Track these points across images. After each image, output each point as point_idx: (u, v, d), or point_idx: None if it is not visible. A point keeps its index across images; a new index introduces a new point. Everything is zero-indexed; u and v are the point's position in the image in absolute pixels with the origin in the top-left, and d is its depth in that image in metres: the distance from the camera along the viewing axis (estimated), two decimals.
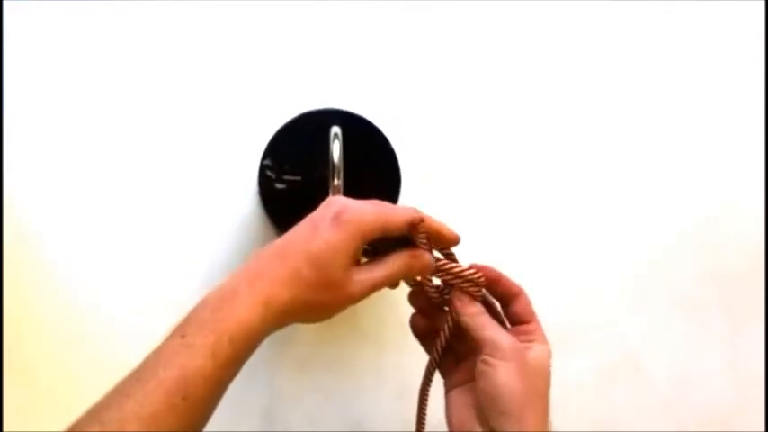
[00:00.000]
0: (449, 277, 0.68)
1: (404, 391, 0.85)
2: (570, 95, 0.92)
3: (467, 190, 0.89)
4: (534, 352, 0.66)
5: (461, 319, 0.68)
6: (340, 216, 0.62)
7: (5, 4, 0.85)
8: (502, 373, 0.64)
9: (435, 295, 0.70)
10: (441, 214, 0.84)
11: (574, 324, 0.86)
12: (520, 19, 0.92)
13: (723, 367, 0.90)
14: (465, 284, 0.68)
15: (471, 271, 0.68)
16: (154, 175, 0.86)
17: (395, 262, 0.66)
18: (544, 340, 0.68)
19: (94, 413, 0.57)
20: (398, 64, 0.90)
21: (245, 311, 0.60)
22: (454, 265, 0.68)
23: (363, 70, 0.89)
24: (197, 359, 0.57)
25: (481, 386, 0.65)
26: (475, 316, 0.67)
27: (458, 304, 0.68)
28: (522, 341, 0.66)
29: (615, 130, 0.92)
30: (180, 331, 0.60)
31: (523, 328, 0.68)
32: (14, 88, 0.85)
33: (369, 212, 0.63)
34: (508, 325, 0.70)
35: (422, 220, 0.66)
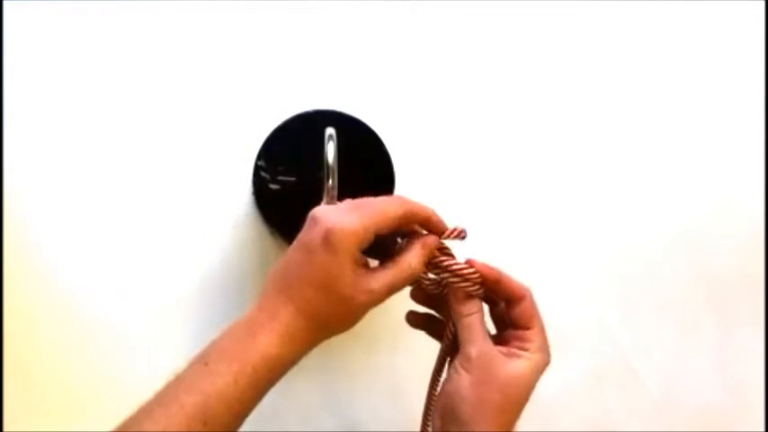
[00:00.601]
0: (446, 274, 0.68)
1: (397, 390, 0.85)
2: (565, 96, 0.92)
3: (461, 191, 0.89)
4: (515, 364, 0.64)
5: (453, 317, 0.68)
6: (329, 236, 0.62)
7: (5, 4, 0.86)
8: (463, 383, 0.64)
9: (434, 288, 0.70)
10: None
11: (566, 326, 0.86)
12: (514, 18, 0.92)
13: (714, 369, 0.90)
14: (460, 282, 0.67)
15: (463, 265, 0.67)
16: (149, 175, 0.86)
17: (410, 259, 0.66)
18: (539, 349, 0.66)
19: None
20: (393, 65, 0.90)
21: (266, 344, 0.61)
22: (447, 260, 0.68)
23: (358, 72, 0.89)
24: (219, 385, 0.59)
25: (445, 388, 0.66)
26: (462, 317, 0.67)
27: (452, 302, 0.68)
28: (515, 347, 0.66)
29: (610, 133, 0.92)
30: (203, 359, 0.61)
31: (520, 333, 0.67)
32: (14, 88, 0.85)
33: (357, 225, 0.63)
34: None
35: (412, 213, 0.66)
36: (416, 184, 0.85)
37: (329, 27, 0.89)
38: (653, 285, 0.91)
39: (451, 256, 0.69)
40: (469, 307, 0.67)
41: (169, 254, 0.85)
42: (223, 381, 0.59)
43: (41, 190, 0.85)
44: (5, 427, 0.78)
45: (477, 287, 0.67)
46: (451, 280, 0.67)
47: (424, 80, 0.90)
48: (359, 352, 0.86)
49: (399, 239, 0.68)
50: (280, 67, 0.88)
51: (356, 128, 0.80)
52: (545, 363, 0.66)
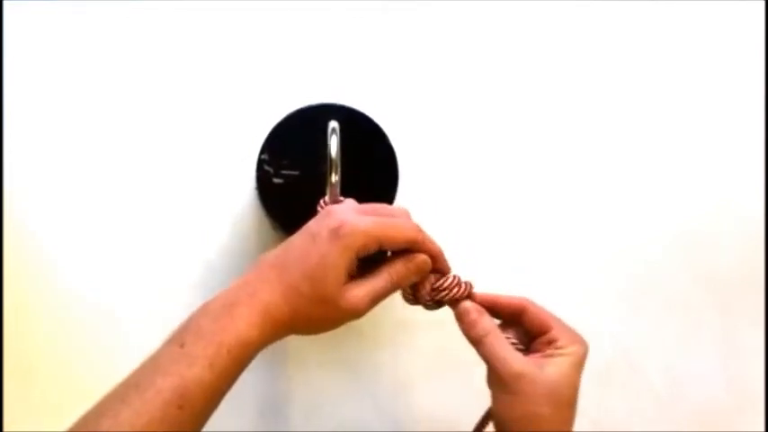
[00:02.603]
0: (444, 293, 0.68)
1: (400, 387, 0.84)
2: (568, 94, 0.92)
3: (464, 186, 0.89)
4: (552, 368, 0.64)
5: (469, 337, 0.67)
6: (338, 230, 0.62)
7: (5, 4, 0.86)
8: (506, 405, 0.64)
9: (431, 304, 0.70)
10: (438, 210, 0.85)
11: (568, 324, 0.86)
12: (519, 16, 0.92)
13: (717, 367, 0.90)
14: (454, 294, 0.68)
15: (451, 280, 0.68)
16: (152, 170, 0.86)
17: (391, 272, 0.66)
18: (571, 342, 0.66)
19: (90, 420, 0.57)
20: (397, 59, 0.90)
21: (244, 324, 0.60)
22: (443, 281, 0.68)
23: (362, 65, 0.89)
24: (195, 369, 0.58)
25: (493, 415, 0.66)
26: (479, 342, 0.66)
27: (464, 331, 0.67)
28: (547, 353, 0.65)
29: (612, 132, 0.92)
30: (179, 339, 0.60)
31: (545, 338, 0.66)
32: (14, 88, 0.85)
33: (366, 229, 0.63)
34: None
35: (423, 242, 0.66)
36: (420, 178, 0.85)
37: (333, 21, 0.90)
38: (655, 284, 0.90)
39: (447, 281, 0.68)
40: (482, 328, 0.66)
41: (172, 248, 0.85)
42: (199, 365, 0.58)
43: (41, 190, 0.85)
44: (5, 427, 0.78)
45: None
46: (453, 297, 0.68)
47: (429, 74, 0.90)
48: (361, 348, 0.85)
49: (389, 253, 0.68)
50: (283, 61, 0.88)
51: (360, 121, 0.80)
52: (584, 351, 0.66)
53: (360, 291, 0.64)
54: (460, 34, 0.91)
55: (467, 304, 0.67)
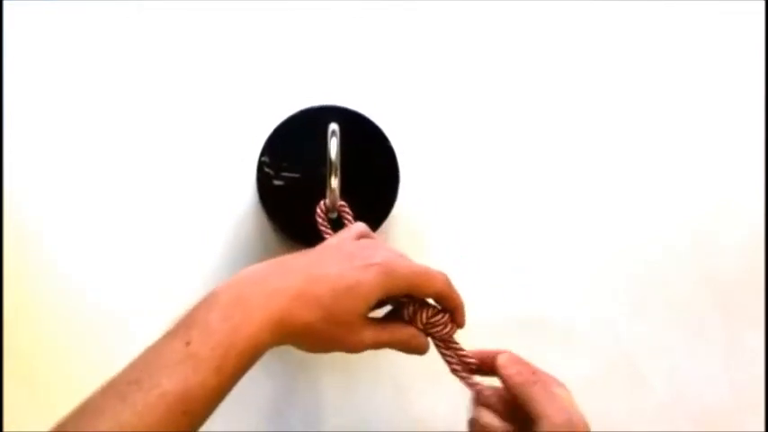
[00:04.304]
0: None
1: (400, 389, 0.84)
2: (569, 95, 0.92)
3: (465, 187, 0.89)
4: (561, 390, 0.65)
5: (506, 382, 0.66)
6: (381, 265, 0.63)
7: (5, 4, 0.86)
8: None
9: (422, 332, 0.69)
10: (439, 211, 0.85)
11: (571, 326, 0.86)
12: (518, 16, 0.92)
13: (720, 370, 0.89)
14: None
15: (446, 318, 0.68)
16: (152, 172, 0.85)
17: (401, 334, 0.67)
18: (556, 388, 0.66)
19: (88, 416, 0.55)
20: (397, 61, 0.90)
21: (256, 328, 0.59)
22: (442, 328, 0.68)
23: (362, 67, 0.89)
24: (202, 373, 0.56)
25: None
26: (523, 386, 0.65)
27: (505, 373, 0.66)
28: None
29: (614, 133, 0.92)
30: (184, 334, 0.58)
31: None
32: (14, 88, 0.85)
33: (405, 273, 0.64)
34: None
35: (448, 296, 0.67)
36: (421, 180, 0.85)
37: (333, 22, 0.89)
38: (659, 285, 0.90)
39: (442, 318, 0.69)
40: (524, 375, 0.66)
41: (173, 250, 0.84)
42: (206, 368, 0.56)
43: (41, 190, 0.85)
44: (5, 427, 0.78)
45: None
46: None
47: (429, 75, 0.90)
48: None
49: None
50: (284, 63, 0.88)
51: (360, 123, 0.80)
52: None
53: (369, 332, 0.64)
54: (462, 36, 0.91)
55: (504, 356, 0.67)
